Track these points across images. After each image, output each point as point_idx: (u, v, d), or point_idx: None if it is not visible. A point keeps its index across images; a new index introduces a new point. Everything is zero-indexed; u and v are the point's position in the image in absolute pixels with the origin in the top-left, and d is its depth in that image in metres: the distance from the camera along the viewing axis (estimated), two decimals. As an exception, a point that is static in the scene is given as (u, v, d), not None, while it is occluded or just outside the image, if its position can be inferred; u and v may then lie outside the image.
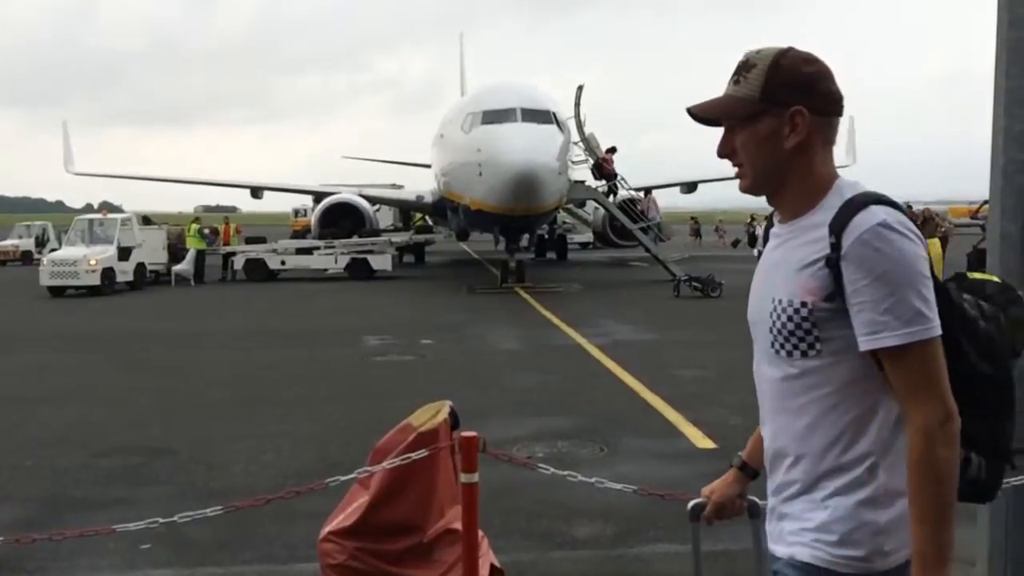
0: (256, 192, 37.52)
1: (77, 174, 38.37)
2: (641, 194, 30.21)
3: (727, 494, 2.28)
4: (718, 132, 1.94)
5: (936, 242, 20.18)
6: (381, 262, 26.37)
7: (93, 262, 21.90)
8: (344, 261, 26.25)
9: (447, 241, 33.35)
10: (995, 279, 2.02)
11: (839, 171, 1.89)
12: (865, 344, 1.73)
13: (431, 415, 4.03)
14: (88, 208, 49.39)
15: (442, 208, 28.89)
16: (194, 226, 26.52)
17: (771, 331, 1.85)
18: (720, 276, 20.01)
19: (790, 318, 1.80)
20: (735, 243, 42.74)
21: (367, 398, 9.20)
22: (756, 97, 1.84)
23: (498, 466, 4.90)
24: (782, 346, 1.83)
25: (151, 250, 24.71)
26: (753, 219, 42.17)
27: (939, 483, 1.69)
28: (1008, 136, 3.72)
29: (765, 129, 1.84)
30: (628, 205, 26.81)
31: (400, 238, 31.12)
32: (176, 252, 25.92)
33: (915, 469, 1.71)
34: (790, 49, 1.86)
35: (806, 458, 1.82)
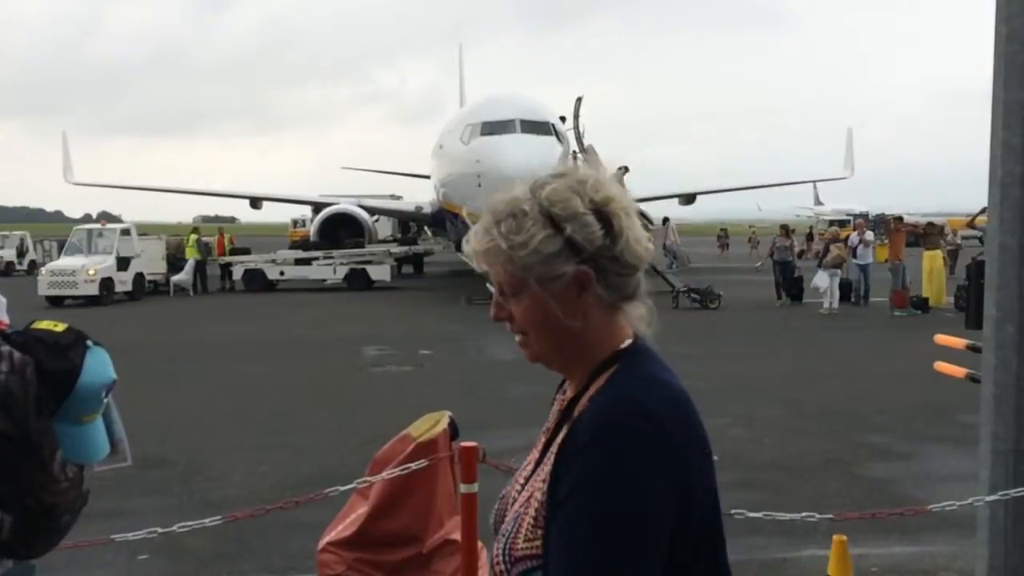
0: (255, 203, 37.55)
1: (77, 184, 38.40)
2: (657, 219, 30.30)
3: None
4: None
5: (937, 254, 20.14)
6: (380, 272, 26.37)
7: (92, 272, 21.89)
8: (343, 271, 26.23)
9: (446, 252, 33.34)
10: (59, 328, 1.90)
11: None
12: None
13: (430, 425, 4.02)
14: (87, 218, 49.21)
15: (441, 219, 28.92)
16: (193, 236, 26.53)
17: None
18: (720, 288, 20.00)
19: None
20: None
21: (366, 408, 9.19)
22: None
23: (497, 476, 4.88)
24: None
25: (150, 260, 24.71)
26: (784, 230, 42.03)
27: None
28: (1006, 148, 3.73)
29: None
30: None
31: (399, 249, 31.10)
32: (175, 262, 25.91)
33: None
34: None
35: None
